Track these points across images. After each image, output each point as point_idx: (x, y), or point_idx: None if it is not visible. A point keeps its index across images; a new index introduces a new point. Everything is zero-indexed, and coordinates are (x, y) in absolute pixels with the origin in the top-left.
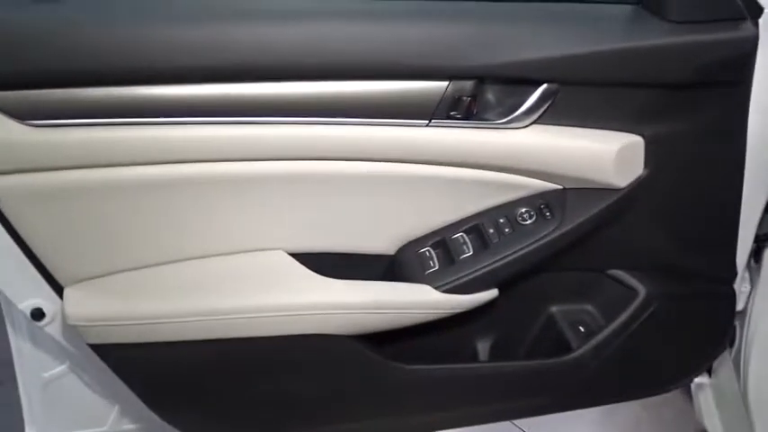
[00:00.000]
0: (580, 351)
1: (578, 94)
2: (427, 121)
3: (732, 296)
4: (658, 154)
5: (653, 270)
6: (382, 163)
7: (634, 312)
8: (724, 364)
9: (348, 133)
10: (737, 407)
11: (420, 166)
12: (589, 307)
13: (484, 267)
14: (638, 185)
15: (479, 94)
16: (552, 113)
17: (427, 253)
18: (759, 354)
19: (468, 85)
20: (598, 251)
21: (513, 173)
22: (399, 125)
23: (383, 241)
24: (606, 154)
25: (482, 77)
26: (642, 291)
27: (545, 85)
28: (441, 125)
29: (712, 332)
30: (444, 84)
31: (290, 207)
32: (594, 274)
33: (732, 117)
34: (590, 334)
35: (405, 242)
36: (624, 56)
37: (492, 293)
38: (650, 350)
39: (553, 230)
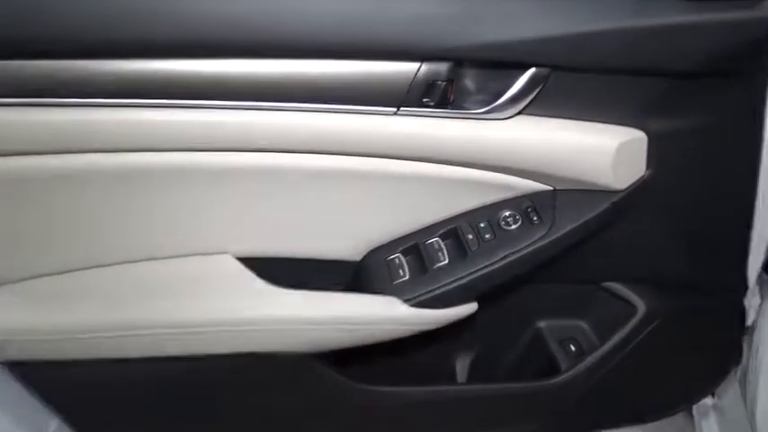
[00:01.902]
0: (571, 372)
1: (572, 81)
2: (395, 109)
3: (742, 311)
4: (663, 152)
5: (654, 283)
6: (343, 156)
7: (632, 330)
8: (729, 384)
9: (302, 121)
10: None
11: (387, 161)
12: (581, 323)
13: (461, 278)
14: (640, 187)
15: (456, 78)
16: (541, 102)
17: (397, 260)
18: None
19: (443, 67)
20: (592, 261)
21: (496, 171)
22: (362, 113)
23: (346, 246)
24: (604, 151)
25: (459, 59)
26: (641, 306)
27: (533, 70)
28: (411, 114)
29: (719, 351)
30: (415, 66)
31: (237, 204)
32: (588, 287)
33: (748, 112)
34: (582, 353)
35: (371, 247)
36: (627, 37)
37: (470, 308)
38: (650, 372)
39: (541, 237)
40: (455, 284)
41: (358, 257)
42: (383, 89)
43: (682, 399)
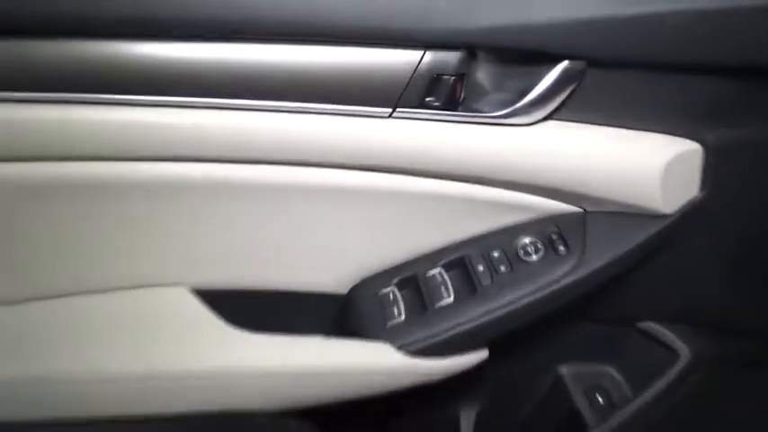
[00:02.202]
0: (598, 430)
1: (614, 79)
2: (390, 110)
3: None
4: (722, 169)
5: (702, 324)
6: (324, 169)
7: (673, 381)
8: None
9: (272, 124)
10: None
11: (379, 174)
12: (611, 369)
13: (469, 322)
14: (691, 212)
15: (468, 72)
16: (574, 105)
17: (391, 295)
18: None
19: (451, 58)
20: (626, 296)
21: (514, 189)
22: (348, 114)
23: (329, 276)
24: (650, 166)
25: (472, 47)
26: (686, 352)
27: (566, 63)
28: (409, 116)
29: None
30: (416, 55)
31: (194, 225)
32: (620, 326)
33: None
34: (611, 406)
35: (360, 279)
36: (686, 23)
37: (479, 356)
38: None
39: (568, 272)
40: (461, 329)
41: (344, 290)
42: (375, 85)
43: None
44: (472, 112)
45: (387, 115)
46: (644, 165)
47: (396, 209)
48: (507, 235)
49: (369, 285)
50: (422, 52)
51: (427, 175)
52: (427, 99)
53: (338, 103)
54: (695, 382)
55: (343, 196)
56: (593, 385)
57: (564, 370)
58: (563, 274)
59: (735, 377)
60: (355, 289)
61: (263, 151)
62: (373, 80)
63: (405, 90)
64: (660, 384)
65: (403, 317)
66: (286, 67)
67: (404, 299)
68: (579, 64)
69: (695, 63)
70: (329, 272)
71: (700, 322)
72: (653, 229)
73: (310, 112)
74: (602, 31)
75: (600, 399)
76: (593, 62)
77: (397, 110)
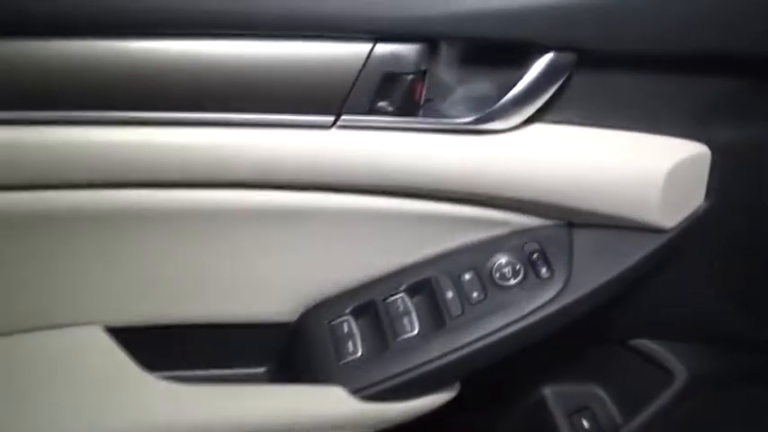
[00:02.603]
0: None
1: (609, 73)
2: (333, 118)
3: None
4: (731, 173)
5: (701, 341)
6: (255, 191)
7: (668, 403)
8: None
9: (190, 139)
10: None
11: (323, 194)
12: (598, 390)
13: (437, 360)
14: (695, 224)
15: (430, 69)
16: (561, 104)
17: (345, 326)
18: None
19: (407, 52)
20: (618, 314)
21: (490, 205)
22: (281, 125)
23: (273, 304)
24: (651, 174)
25: (434, 39)
26: (682, 372)
27: (551, 55)
28: (357, 124)
29: None
30: (364, 49)
31: (111, 257)
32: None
33: None
34: (599, 431)
35: (310, 304)
36: (698, 8)
37: (448, 395)
38: None
39: (553, 299)
40: (427, 368)
41: (293, 317)
42: (313, 88)
43: None
44: (436, 117)
45: (329, 125)
46: (644, 172)
47: (348, 230)
48: (480, 253)
49: (319, 313)
50: (370, 45)
51: (384, 193)
52: (379, 103)
53: (269, 112)
54: (692, 405)
55: (284, 218)
56: (578, 407)
57: (546, 390)
58: (546, 302)
59: (734, 397)
60: (304, 317)
61: (179, 171)
62: (310, 82)
63: (349, 93)
64: (653, 408)
65: (359, 353)
66: (200, 68)
67: (360, 330)
68: (567, 56)
69: (706, 55)
70: (273, 300)
71: (699, 339)
72: (651, 245)
73: (237, 125)
74: (595, 16)
75: (585, 422)
76: (584, 54)
77: (342, 118)
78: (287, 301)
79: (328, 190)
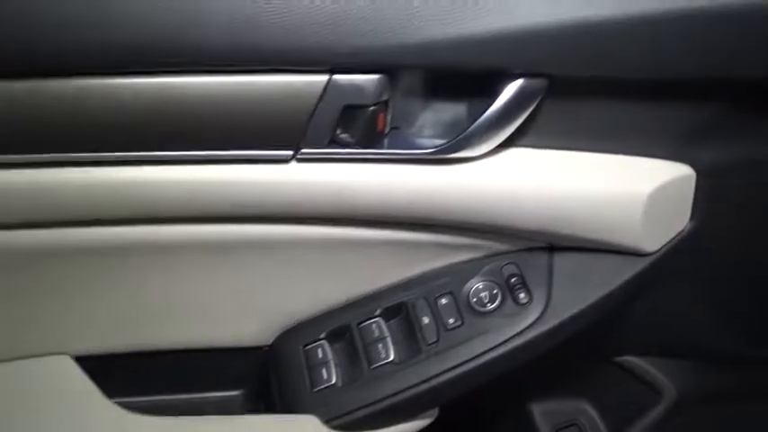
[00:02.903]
0: None
1: (584, 95)
2: (291, 153)
3: None
4: (717, 195)
5: (687, 359)
6: (224, 225)
7: (657, 420)
8: None
9: (160, 176)
10: None
11: (292, 226)
12: (585, 405)
13: (415, 387)
14: (679, 247)
15: (394, 97)
16: (535, 128)
17: (320, 351)
18: None
19: (367, 83)
20: (602, 333)
21: (464, 233)
22: (240, 160)
23: (249, 327)
24: (632, 197)
25: (393, 67)
26: (670, 388)
27: (520, 81)
28: (318, 157)
29: None
30: (321, 80)
31: (80, 287)
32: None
33: None
34: None
35: (286, 327)
36: (676, 25)
37: (425, 421)
38: None
39: (532, 325)
40: (403, 396)
41: (268, 341)
42: (270, 121)
43: None
44: (404, 146)
45: (287, 158)
46: (625, 195)
47: (321, 257)
48: (457, 276)
49: (295, 337)
50: (326, 77)
51: (355, 222)
52: (341, 135)
53: (227, 148)
54: (681, 422)
55: (256, 248)
56: (565, 423)
57: (532, 406)
58: (524, 329)
59: (724, 415)
60: (279, 341)
61: (146, 208)
62: (267, 116)
63: (308, 126)
64: (641, 424)
65: (334, 379)
66: (154, 105)
67: (335, 356)
68: (538, 82)
69: (680, 79)
70: (248, 324)
71: (687, 356)
72: (633, 269)
73: (193, 162)
74: (567, 40)
75: None
76: (559, 77)
77: (302, 151)
78: (262, 326)
79: (296, 222)
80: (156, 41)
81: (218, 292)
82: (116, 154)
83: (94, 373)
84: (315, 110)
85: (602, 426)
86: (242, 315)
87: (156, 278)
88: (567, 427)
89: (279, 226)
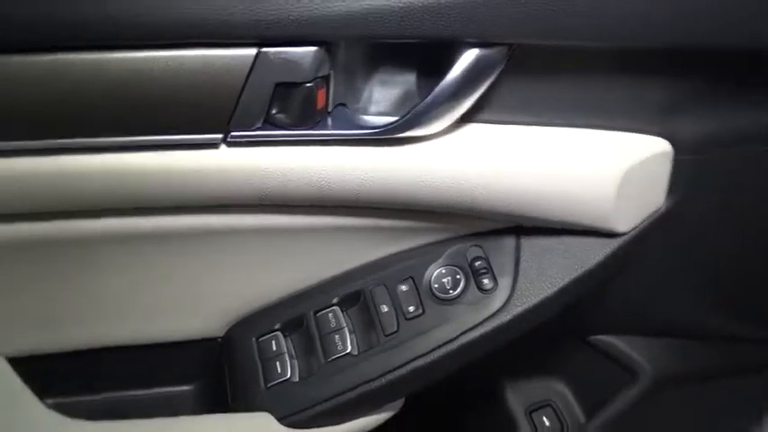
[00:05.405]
0: None
1: (554, 66)
2: (221, 136)
3: None
4: (695, 172)
5: (663, 338)
6: (165, 216)
7: (632, 401)
8: None
9: (89, 164)
10: None
11: (227, 216)
12: (559, 385)
13: (373, 381)
14: (653, 226)
15: (336, 72)
16: (501, 102)
17: (273, 343)
18: None
19: (302, 56)
20: (575, 313)
21: (421, 217)
22: (165, 146)
23: (199, 319)
24: (603, 174)
25: (328, 40)
26: (645, 369)
27: (476, 51)
28: (250, 140)
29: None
30: (249, 55)
31: (15, 283)
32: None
33: None
34: (561, 429)
35: (238, 318)
36: None
37: (388, 413)
38: None
39: (497, 313)
40: (362, 390)
41: (219, 333)
42: (195, 101)
43: None
44: (349, 125)
45: (217, 142)
46: (597, 172)
47: (270, 244)
48: (417, 261)
49: (247, 329)
50: (254, 51)
51: (298, 212)
52: (277, 115)
53: (150, 133)
54: (656, 402)
55: (200, 237)
56: (538, 404)
57: (505, 387)
58: (488, 317)
59: (701, 394)
60: (231, 333)
61: (82, 198)
62: (192, 96)
63: (236, 106)
64: (616, 407)
65: (288, 374)
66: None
67: (290, 347)
68: (498, 51)
69: (663, 45)
70: (198, 316)
71: (662, 335)
72: (605, 251)
73: (124, 149)
74: (528, 5)
75: (546, 420)
76: (518, 49)
77: (231, 134)
78: (212, 317)
79: (237, 210)
80: (71, 14)
81: (162, 284)
82: (31, 143)
83: (32, 374)
84: (243, 88)
85: (576, 406)
86: (189, 307)
87: (92, 273)
88: (540, 408)
89: (218, 215)
